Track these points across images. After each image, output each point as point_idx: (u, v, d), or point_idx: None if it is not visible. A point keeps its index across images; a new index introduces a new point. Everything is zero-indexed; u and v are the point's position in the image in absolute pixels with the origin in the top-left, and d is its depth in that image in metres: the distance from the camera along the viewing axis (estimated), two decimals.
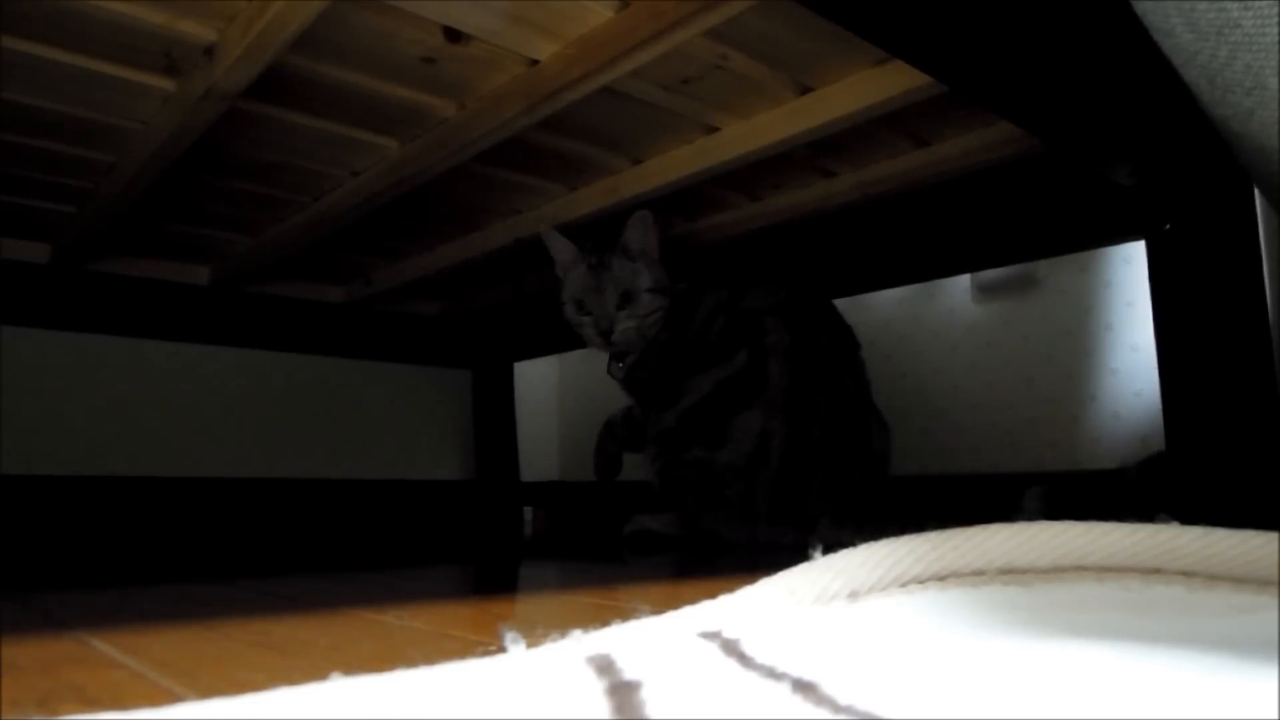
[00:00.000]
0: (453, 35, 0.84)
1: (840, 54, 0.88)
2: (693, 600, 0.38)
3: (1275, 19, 0.46)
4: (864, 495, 1.13)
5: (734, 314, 1.18)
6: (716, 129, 1.04)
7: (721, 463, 1.11)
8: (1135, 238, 1.02)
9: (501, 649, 0.31)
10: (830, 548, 0.45)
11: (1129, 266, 1.20)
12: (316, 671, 0.32)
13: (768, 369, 1.11)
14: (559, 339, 1.52)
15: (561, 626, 0.33)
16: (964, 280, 1.38)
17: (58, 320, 1.41)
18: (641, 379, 1.27)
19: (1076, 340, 1.25)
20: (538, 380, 2.04)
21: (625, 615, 0.36)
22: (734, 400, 1.12)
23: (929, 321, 1.42)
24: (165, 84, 0.90)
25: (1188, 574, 0.45)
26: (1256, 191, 0.89)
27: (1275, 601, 0.40)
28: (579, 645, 0.31)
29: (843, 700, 0.26)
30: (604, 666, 0.29)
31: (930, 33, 0.69)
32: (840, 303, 1.49)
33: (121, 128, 0.99)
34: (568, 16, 0.81)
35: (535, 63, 0.88)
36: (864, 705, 0.26)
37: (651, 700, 0.26)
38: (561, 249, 1.26)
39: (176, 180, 1.11)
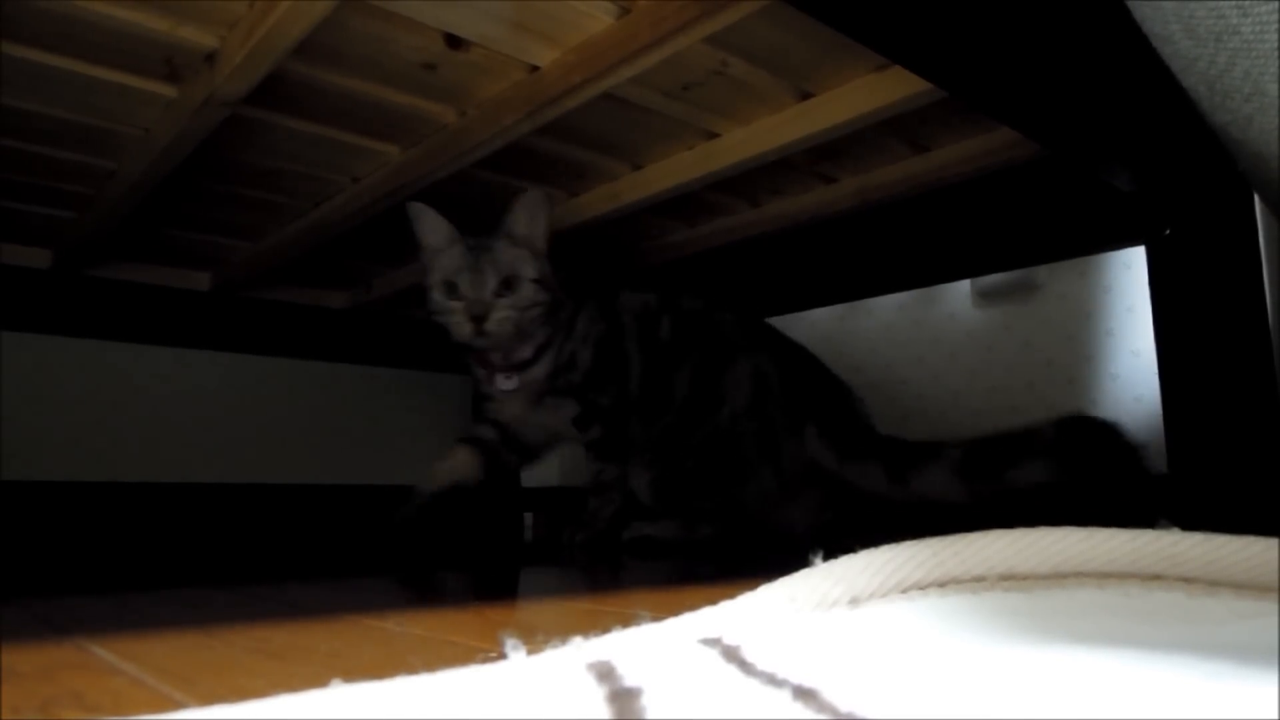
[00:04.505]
0: (453, 42, 0.84)
1: (840, 60, 0.88)
2: (693, 606, 0.37)
3: (1274, 25, 0.46)
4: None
5: (678, 316, 1.22)
6: (717, 135, 1.04)
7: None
8: (1135, 243, 1.02)
9: (502, 655, 0.31)
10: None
11: (1129, 272, 1.20)
12: (317, 678, 0.31)
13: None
14: None
15: (562, 632, 0.33)
16: (964, 286, 1.38)
17: (58, 326, 1.41)
18: (603, 403, 1.18)
19: (1077, 345, 1.25)
20: None
21: (626, 621, 0.36)
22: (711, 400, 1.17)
23: (929, 327, 1.42)
24: (166, 90, 0.90)
25: (1189, 580, 0.44)
26: (1256, 197, 0.89)
27: (1276, 608, 0.40)
28: (579, 652, 0.31)
29: (843, 707, 0.26)
30: (605, 673, 0.29)
31: (930, 39, 0.70)
32: (839, 309, 1.50)
33: (122, 134, 0.99)
34: (568, 23, 0.81)
35: (536, 69, 0.88)
36: (865, 712, 0.26)
37: (652, 707, 0.26)
38: (433, 228, 1.12)
39: (177, 186, 1.11)
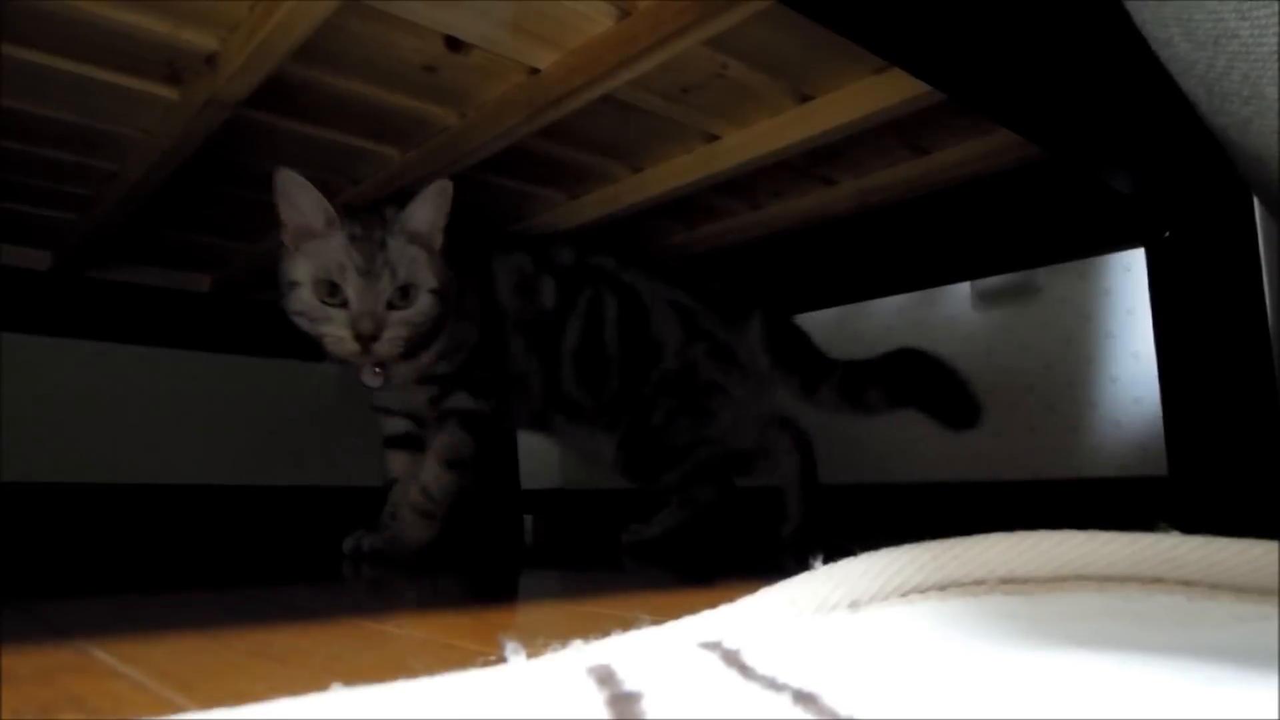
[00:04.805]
0: (454, 44, 0.84)
1: (840, 63, 0.88)
2: (693, 609, 0.37)
3: (1272, 29, 0.46)
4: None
5: (559, 274, 1.15)
6: (716, 137, 1.04)
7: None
8: (1135, 245, 1.02)
9: (502, 659, 0.31)
10: None
11: (1129, 274, 1.20)
12: (317, 681, 0.31)
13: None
14: None
15: (562, 636, 0.33)
16: (964, 288, 1.38)
17: (58, 327, 1.41)
18: (477, 375, 1.06)
19: (1077, 348, 1.25)
20: None
21: (626, 625, 0.36)
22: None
23: (929, 329, 1.42)
24: (167, 92, 0.90)
25: (1189, 583, 0.44)
26: (1255, 199, 0.89)
27: (1276, 611, 0.40)
28: (580, 655, 0.31)
29: (843, 712, 0.26)
30: (605, 677, 0.29)
31: (929, 41, 0.70)
32: (839, 311, 1.50)
33: (123, 136, 0.99)
34: (568, 26, 0.81)
35: (536, 71, 0.88)
36: (865, 717, 0.26)
37: (652, 711, 0.26)
38: (305, 203, 0.92)
39: (178, 188, 1.11)
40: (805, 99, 0.95)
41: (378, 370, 1.00)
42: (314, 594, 0.73)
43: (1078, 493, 1.20)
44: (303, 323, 0.95)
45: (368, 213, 0.97)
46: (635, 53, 0.80)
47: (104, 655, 0.41)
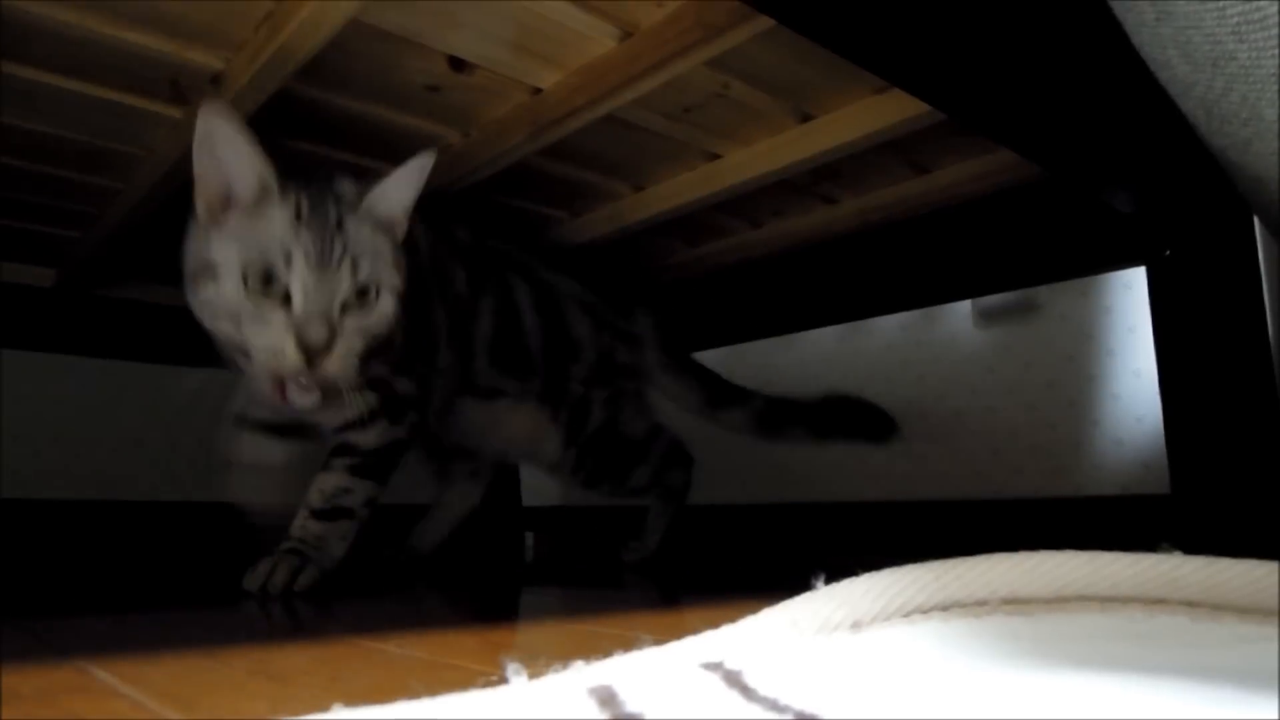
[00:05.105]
0: (457, 64, 0.85)
1: (840, 82, 0.89)
2: (694, 629, 0.37)
3: (1270, 51, 0.47)
4: None
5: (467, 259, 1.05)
6: (718, 156, 1.05)
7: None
8: (1136, 264, 1.02)
9: (504, 679, 0.31)
10: None
11: (1130, 292, 1.20)
12: (317, 702, 0.31)
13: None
14: None
15: (563, 656, 0.33)
16: (965, 306, 1.38)
17: (62, 344, 1.41)
18: (402, 389, 0.90)
19: (1078, 365, 1.25)
20: None
21: (627, 644, 0.36)
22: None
23: (930, 347, 1.42)
24: (172, 111, 0.90)
25: (1191, 604, 0.44)
26: (1255, 218, 0.90)
27: (1279, 632, 0.40)
28: (581, 676, 0.31)
29: None
30: (606, 698, 0.29)
31: (929, 62, 0.70)
32: (840, 329, 1.50)
33: (128, 154, 0.99)
34: (571, 46, 0.82)
35: (538, 91, 0.89)
36: None
37: None
38: (234, 158, 0.71)
39: (182, 206, 1.12)
40: (806, 118, 0.96)
41: (306, 388, 0.76)
42: (314, 611, 0.73)
43: (1080, 511, 1.20)
44: (219, 323, 0.73)
45: (312, 178, 0.76)
46: (637, 73, 0.81)
47: (104, 675, 0.41)
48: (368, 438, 0.89)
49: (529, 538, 1.87)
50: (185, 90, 0.87)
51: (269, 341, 0.71)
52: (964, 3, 0.70)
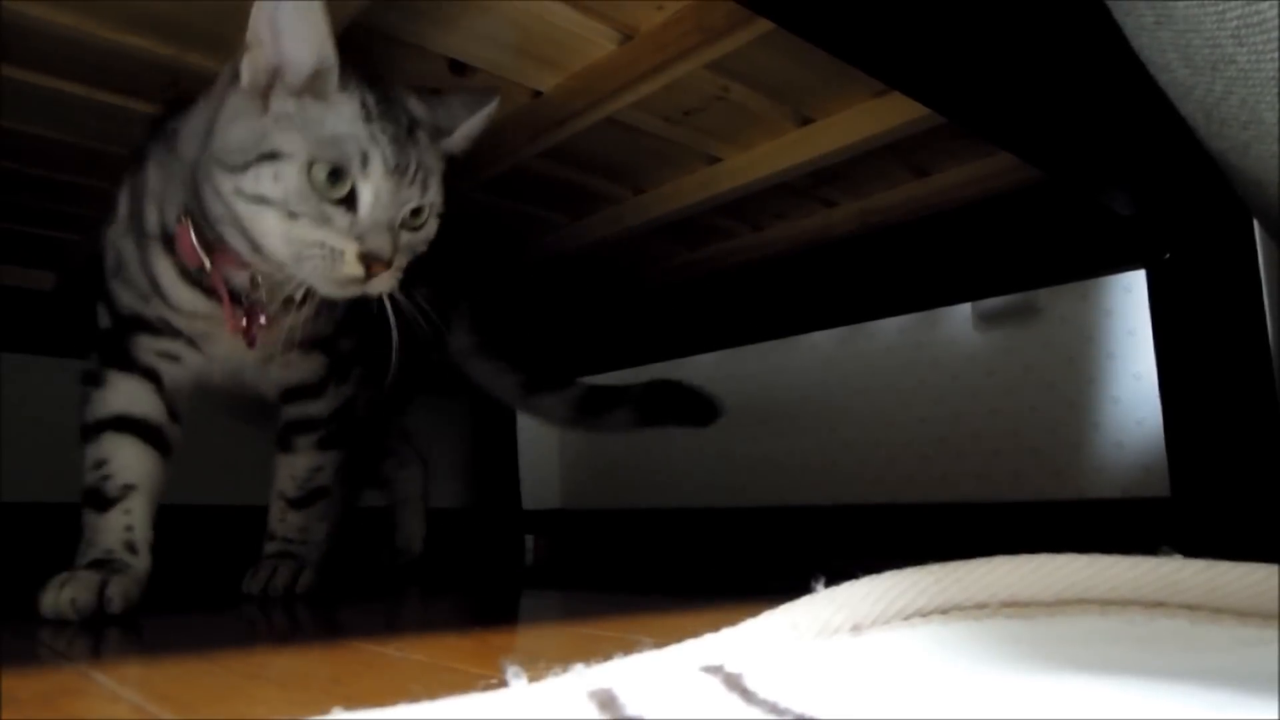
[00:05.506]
0: (457, 68, 0.85)
1: (840, 85, 0.89)
2: (695, 632, 0.37)
3: (1269, 54, 0.47)
4: None
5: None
6: (718, 159, 1.05)
7: None
8: (1135, 267, 1.02)
9: (504, 683, 0.31)
10: None
11: (1130, 295, 1.20)
12: (317, 705, 0.31)
13: None
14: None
15: (563, 659, 0.33)
16: (965, 309, 1.38)
17: (61, 348, 1.41)
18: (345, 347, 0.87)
19: (1078, 368, 1.25)
20: None
21: (627, 647, 0.36)
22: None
23: (930, 350, 1.42)
24: None
25: (1191, 607, 0.44)
26: (1255, 221, 0.90)
27: (1278, 635, 0.40)
28: (581, 680, 0.31)
29: None
30: (606, 701, 0.29)
31: (928, 65, 0.70)
32: (840, 332, 1.50)
33: (127, 157, 0.99)
34: (571, 49, 0.82)
35: (538, 94, 0.89)
36: None
37: None
38: (302, 36, 0.63)
39: None
40: (806, 121, 0.96)
41: (264, 320, 0.70)
42: (313, 615, 0.73)
43: (1080, 514, 1.19)
44: (267, 216, 0.63)
45: (372, 80, 0.69)
46: (637, 76, 0.81)
47: (104, 678, 0.41)
48: (320, 406, 0.87)
49: (529, 541, 1.87)
50: (185, 94, 0.87)
51: (327, 246, 0.63)
52: (963, 6, 0.70)
